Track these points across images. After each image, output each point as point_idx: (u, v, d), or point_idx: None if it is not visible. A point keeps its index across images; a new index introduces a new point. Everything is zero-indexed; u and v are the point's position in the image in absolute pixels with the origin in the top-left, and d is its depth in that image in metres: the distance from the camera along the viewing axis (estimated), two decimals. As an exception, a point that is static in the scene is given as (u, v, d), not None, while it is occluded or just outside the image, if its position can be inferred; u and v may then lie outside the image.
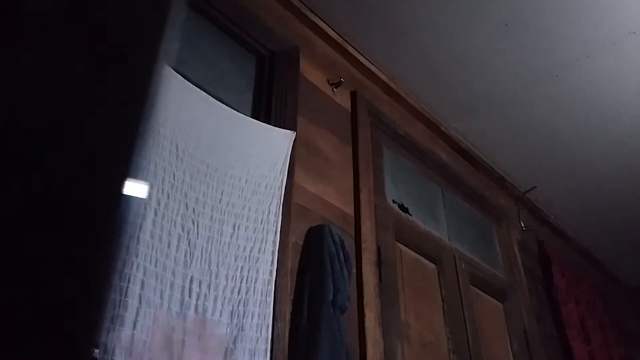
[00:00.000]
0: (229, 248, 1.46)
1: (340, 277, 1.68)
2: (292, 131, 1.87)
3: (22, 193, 0.62)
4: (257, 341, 1.39)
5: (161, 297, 1.24)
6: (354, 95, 2.43)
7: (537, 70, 2.70)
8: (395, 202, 2.43)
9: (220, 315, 1.36)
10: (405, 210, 2.47)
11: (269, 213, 1.62)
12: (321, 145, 2.09)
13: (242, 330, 1.38)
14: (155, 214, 1.31)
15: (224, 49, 1.98)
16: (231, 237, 1.48)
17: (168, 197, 1.36)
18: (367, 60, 2.59)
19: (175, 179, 1.40)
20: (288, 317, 1.57)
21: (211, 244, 1.42)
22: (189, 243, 1.37)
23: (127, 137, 0.72)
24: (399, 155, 2.63)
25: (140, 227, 1.26)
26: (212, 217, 1.46)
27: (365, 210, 2.10)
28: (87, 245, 0.67)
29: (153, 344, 1.19)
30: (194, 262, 1.35)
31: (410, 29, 2.50)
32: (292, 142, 1.84)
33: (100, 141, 0.71)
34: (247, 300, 1.43)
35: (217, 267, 1.40)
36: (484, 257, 2.90)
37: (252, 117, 1.83)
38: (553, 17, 2.42)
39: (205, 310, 1.33)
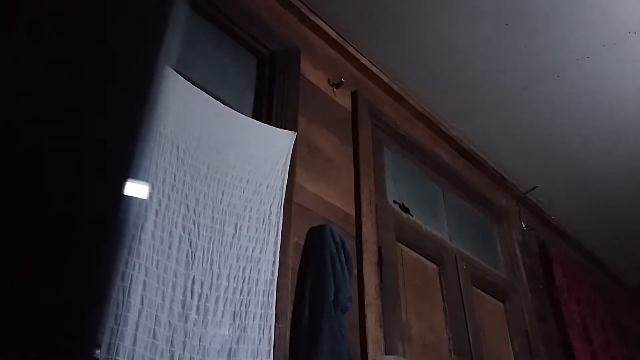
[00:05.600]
0: (230, 248, 1.46)
1: (341, 277, 1.68)
2: (293, 131, 1.87)
3: (23, 193, 0.62)
4: (259, 342, 1.39)
5: (163, 298, 1.24)
6: (354, 96, 2.43)
7: (538, 70, 2.70)
8: (396, 202, 2.43)
9: (222, 316, 1.36)
10: (406, 210, 2.46)
11: (270, 213, 1.62)
12: (322, 146, 2.09)
13: (244, 331, 1.38)
14: (156, 214, 1.31)
15: (224, 50, 1.98)
16: (232, 238, 1.48)
17: (169, 198, 1.36)
18: (368, 60, 2.59)
19: (176, 180, 1.41)
20: (289, 317, 1.57)
21: (212, 245, 1.42)
22: (190, 244, 1.37)
23: (129, 138, 0.72)
24: (400, 156, 2.63)
25: (142, 227, 1.26)
26: (213, 217, 1.46)
27: (366, 211, 2.09)
28: (88, 245, 0.67)
29: (155, 344, 1.19)
30: (195, 262, 1.35)
31: (411, 29, 2.50)
32: (293, 143, 1.84)
33: (102, 142, 0.71)
34: (249, 300, 1.43)
35: (219, 268, 1.40)
36: (485, 257, 2.89)
37: (253, 117, 1.84)
38: (553, 17, 2.42)
39: (207, 311, 1.33)
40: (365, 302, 1.87)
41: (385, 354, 1.86)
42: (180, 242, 1.35)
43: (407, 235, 2.34)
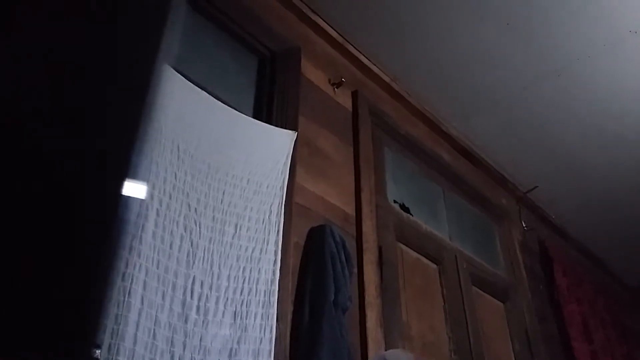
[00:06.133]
0: (230, 248, 1.46)
1: (341, 277, 1.68)
2: (294, 131, 1.87)
3: (23, 193, 0.62)
4: (260, 342, 1.39)
5: (163, 298, 1.24)
6: (355, 95, 2.43)
7: (539, 69, 2.69)
8: (397, 202, 2.43)
9: (223, 316, 1.36)
10: (407, 210, 2.46)
11: (270, 213, 1.62)
12: (322, 145, 2.09)
13: (245, 331, 1.38)
14: (157, 214, 1.31)
15: (225, 49, 1.98)
16: (233, 238, 1.48)
17: (170, 198, 1.36)
18: (368, 59, 2.59)
19: (177, 180, 1.40)
20: (289, 317, 1.57)
21: (213, 245, 1.42)
22: (192, 243, 1.37)
23: (129, 137, 0.72)
24: (400, 155, 2.63)
25: (143, 227, 1.26)
26: (214, 217, 1.46)
27: (366, 210, 2.09)
28: (89, 245, 0.67)
29: (155, 345, 1.19)
30: (196, 262, 1.35)
31: (411, 28, 2.50)
32: (294, 142, 1.84)
33: (102, 142, 0.71)
34: (250, 300, 1.43)
35: (219, 268, 1.40)
36: (486, 257, 2.89)
37: (254, 117, 1.83)
38: (554, 17, 2.42)
39: (207, 311, 1.33)
40: (366, 302, 1.87)
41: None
42: (181, 241, 1.35)
43: (407, 235, 2.34)
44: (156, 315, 1.21)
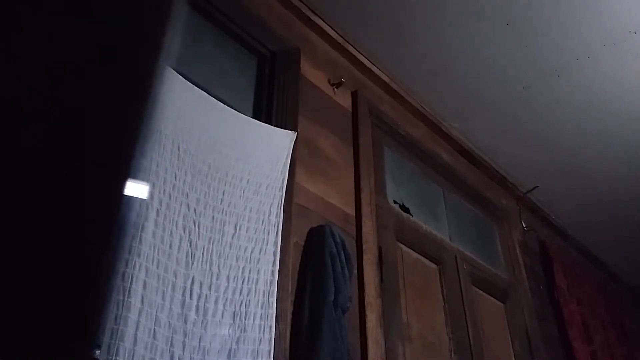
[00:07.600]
0: (230, 249, 1.46)
1: (341, 277, 1.67)
2: (293, 131, 1.87)
3: (23, 193, 0.62)
4: (259, 342, 1.39)
5: (163, 298, 1.24)
6: (355, 95, 2.43)
7: (539, 69, 2.69)
8: (397, 203, 2.43)
9: (222, 317, 1.36)
10: (407, 210, 2.46)
11: (270, 213, 1.62)
12: (322, 146, 2.09)
13: (244, 331, 1.38)
14: (157, 214, 1.31)
15: (225, 49, 1.98)
16: (232, 238, 1.48)
17: (169, 198, 1.36)
18: (368, 60, 2.59)
19: (177, 179, 1.40)
20: (289, 317, 1.57)
21: (212, 245, 1.42)
22: (190, 244, 1.36)
23: (129, 137, 0.72)
24: (400, 156, 2.63)
25: (142, 227, 1.26)
26: (213, 217, 1.46)
27: (366, 211, 2.09)
28: (89, 245, 0.67)
29: (155, 345, 1.19)
30: (195, 262, 1.35)
31: (411, 28, 2.50)
32: (293, 143, 1.84)
33: (102, 141, 0.71)
34: (249, 301, 1.43)
35: (218, 268, 1.40)
36: (486, 257, 2.89)
37: (253, 117, 1.83)
38: (554, 17, 2.42)
39: (206, 311, 1.33)
40: (366, 303, 1.86)
41: (386, 354, 1.86)
42: (180, 241, 1.35)
43: (407, 235, 2.34)
44: (156, 315, 1.21)
